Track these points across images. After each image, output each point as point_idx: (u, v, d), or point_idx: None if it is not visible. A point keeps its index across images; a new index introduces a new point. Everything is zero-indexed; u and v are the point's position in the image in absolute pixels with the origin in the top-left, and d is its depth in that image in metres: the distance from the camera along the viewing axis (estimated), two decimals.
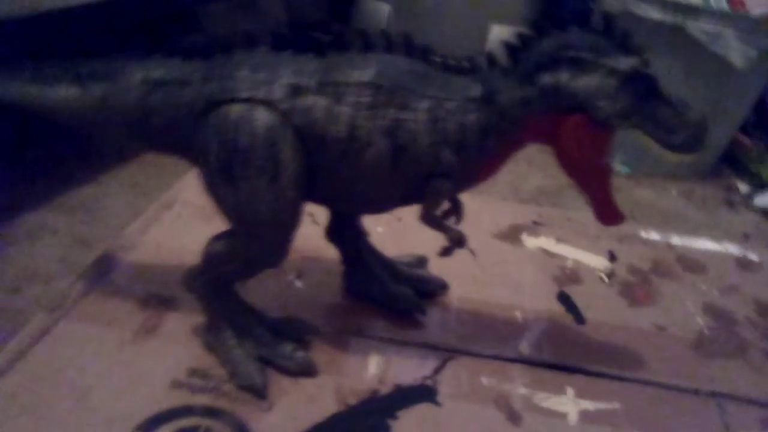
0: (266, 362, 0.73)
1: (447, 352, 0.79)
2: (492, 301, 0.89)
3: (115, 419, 0.66)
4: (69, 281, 0.89)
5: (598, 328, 0.86)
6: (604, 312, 0.90)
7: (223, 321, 0.73)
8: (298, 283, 0.88)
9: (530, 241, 1.05)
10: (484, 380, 0.76)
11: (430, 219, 0.68)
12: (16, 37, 1.10)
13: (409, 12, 1.71)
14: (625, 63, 0.61)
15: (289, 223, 0.65)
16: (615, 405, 0.74)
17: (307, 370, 0.73)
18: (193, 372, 0.72)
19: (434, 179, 0.65)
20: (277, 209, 0.63)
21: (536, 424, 0.71)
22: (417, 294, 0.85)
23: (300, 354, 0.73)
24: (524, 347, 0.81)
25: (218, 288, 0.72)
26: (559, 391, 0.75)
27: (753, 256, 1.08)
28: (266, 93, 0.62)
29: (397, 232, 0.98)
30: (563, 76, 0.62)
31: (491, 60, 0.65)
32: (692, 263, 1.04)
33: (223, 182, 0.63)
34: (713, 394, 0.77)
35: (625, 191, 1.35)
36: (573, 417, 0.72)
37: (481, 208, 1.07)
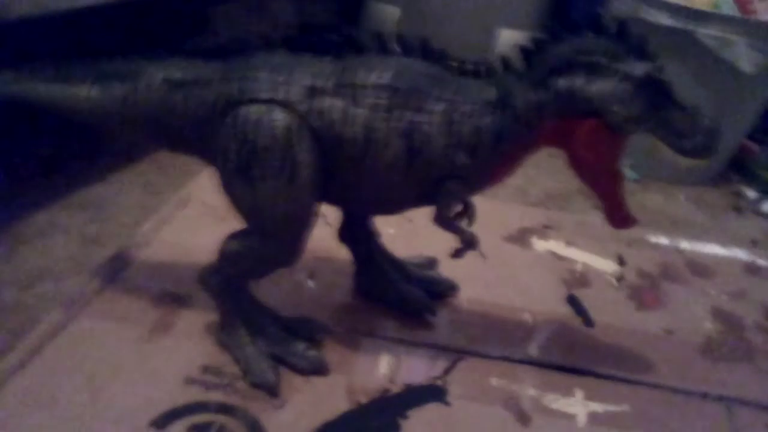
0: (279, 360, 0.73)
1: (457, 353, 0.80)
2: (501, 303, 0.89)
3: (129, 415, 0.67)
4: (80, 279, 0.91)
5: (606, 331, 0.87)
6: (613, 315, 0.90)
7: (237, 319, 0.74)
8: (310, 283, 0.89)
9: (540, 244, 1.06)
10: (494, 381, 0.76)
11: (443, 220, 0.69)
12: (32, 37, 1.11)
13: (417, 15, 1.72)
14: (639, 68, 0.61)
15: (304, 223, 0.66)
16: (623, 407, 0.75)
17: (319, 369, 0.74)
18: (206, 369, 0.73)
19: (448, 181, 0.66)
20: (293, 209, 0.64)
21: (545, 426, 0.71)
22: (427, 295, 0.86)
23: (312, 353, 0.74)
24: (533, 349, 0.82)
25: (232, 286, 0.73)
26: (568, 392, 0.76)
27: (761, 262, 1.08)
28: (285, 94, 0.62)
29: (408, 234, 0.99)
30: (578, 81, 0.62)
31: (506, 64, 0.66)
32: (701, 268, 1.04)
33: (240, 182, 0.64)
34: (721, 398, 0.78)
35: (634, 196, 1.35)
36: (582, 419, 0.73)
37: (491, 211, 1.07)
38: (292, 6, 1.89)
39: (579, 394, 0.76)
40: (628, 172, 1.41)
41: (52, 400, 0.67)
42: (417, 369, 0.77)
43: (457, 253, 0.71)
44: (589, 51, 0.62)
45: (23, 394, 0.68)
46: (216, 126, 0.64)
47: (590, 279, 0.98)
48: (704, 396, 0.78)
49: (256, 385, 0.71)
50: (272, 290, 0.81)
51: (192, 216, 1.02)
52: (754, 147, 1.55)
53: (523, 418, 0.72)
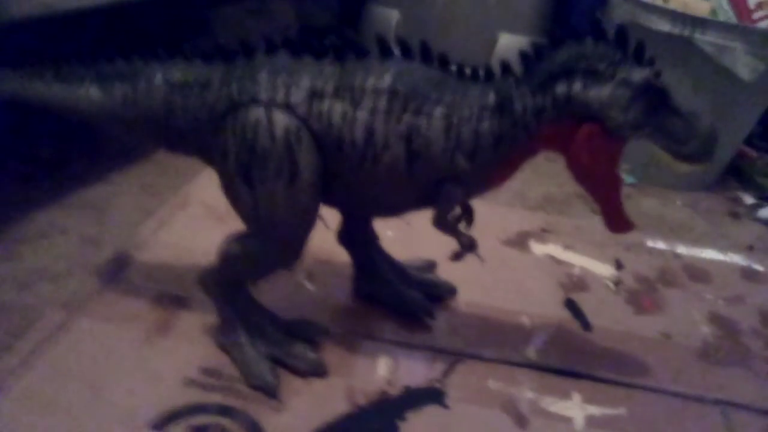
0: (278, 362, 0.74)
1: (455, 356, 0.80)
2: (500, 307, 0.90)
3: (128, 416, 0.67)
4: (79, 280, 0.91)
5: (604, 334, 0.87)
6: (611, 319, 0.91)
7: (236, 321, 0.74)
8: (309, 285, 0.89)
9: (538, 248, 1.06)
10: (492, 384, 0.77)
11: (442, 223, 0.69)
12: (33, 38, 1.11)
13: (417, 19, 1.72)
14: (638, 74, 0.62)
15: (304, 225, 0.67)
16: (620, 411, 0.75)
17: (318, 371, 0.74)
18: (205, 371, 0.73)
19: (447, 184, 0.66)
20: (293, 211, 0.64)
21: (543, 428, 0.71)
22: (426, 298, 0.86)
23: (311, 355, 0.74)
24: (531, 352, 0.82)
25: (232, 288, 0.73)
26: (566, 396, 0.76)
27: (758, 267, 1.09)
28: (285, 97, 0.63)
29: (406, 236, 0.99)
30: (576, 86, 0.63)
31: (505, 69, 0.66)
32: (698, 273, 1.05)
33: (240, 184, 0.64)
34: (717, 402, 0.78)
35: (632, 201, 1.36)
36: (579, 422, 0.73)
37: (490, 215, 1.08)
38: (293, 8, 1.89)
39: (576, 397, 0.76)
40: (625, 177, 1.41)
41: (51, 401, 0.67)
42: (415, 371, 0.77)
43: (456, 257, 0.72)
44: (587, 57, 0.63)
45: (23, 395, 0.68)
46: (216, 128, 0.65)
47: (588, 283, 0.98)
48: (700, 400, 0.78)
49: (255, 387, 0.71)
50: (271, 292, 0.81)
51: (191, 217, 1.02)
52: (752, 153, 1.56)
53: (520, 420, 0.72)
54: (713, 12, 1.34)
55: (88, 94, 0.70)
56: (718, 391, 0.80)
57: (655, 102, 0.62)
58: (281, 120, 0.62)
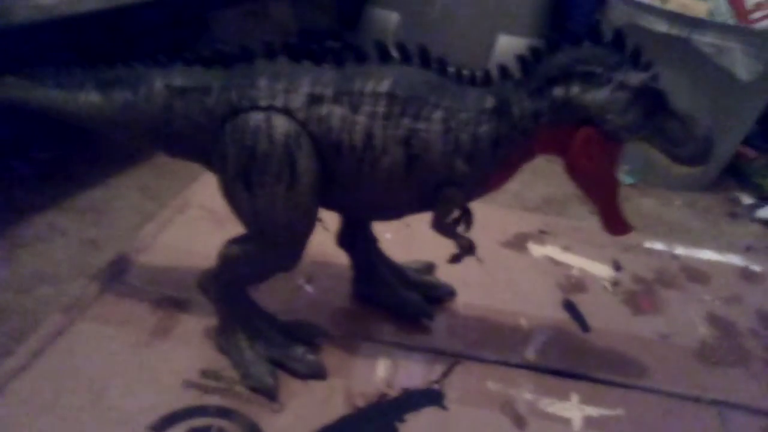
0: (277, 364, 0.74)
1: (454, 357, 0.80)
2: (498, 308, 0.90)
3: (129, 418, 0.67)
4: (78, 283, 0.91)
5: (602, 336, 0.87)
6: (609, 320, 0.91)
7: (236, 323, 0.74)
8: (308, 288, 0.90)
9: (536, 250, 1.06)
10: (490, 385, 0.77)
11: (441, 226, 0.69)
12: (33, 42, 1.12)
13: (417, 21, 1.72)
14: (635, 78, 0.62)
15: (304, 228, 0.67)
16: (618, 411, 0.76)
17: (318, 373, 0.74)
18: (205, 373, 0.73)
19: (446, 188, 0.66)
20: (293, 215, 0.65)
21: (541, 429, 0.72)
22: (425, 300, 0.86)
23: (310, 357, 0.75)
24: (530, 353, 0.82)
25: (232, 291, 0.73)
26: (564, 397, 0.77)
27: (756, 268, 1.09)
28: (285, 101, 0.63)
29: (405, 239, 1.00)
30: (574, 90, 0.63)
31: (504, 72, 0.67)
32: (696, 273, 1.05)
33: (240, 188, 0.64)
34: (715, 403, 0.79)
35: (630, 201, 1.36)
36: (577, 422, 0.73)
37: (488, 217, 1.08)
38: (291, 11, 1.89)
39: (574, 398, 0.77)
40: (624, 177, 1.42)
41: (52, 404, 0.68)
42: (414, 373, 0.77)
43: (455, 259, 0.72)
44: (585, 60, 0.63)
45: (23, 398, 0.68)
46: (216, 132, 0.65)
47: (586, 284, 0.99)
48: (698, 400, 0.79)
49: (255, 389, 0.72)
50: (271, 295, 0.81)
51: (191, 220, 1.02)
52: (750, 153, 1.57)
53: (519, 421, 0.72)
54: (711, 13, 1.34)
55: (89, 99, 0.70)
56: (716, 391, 0.80)
57: (652, 105, 0.63)
58: (281, 125, 0.63)
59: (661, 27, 1.29)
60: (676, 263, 1.08)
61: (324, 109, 0.63)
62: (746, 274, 1.07)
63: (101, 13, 1.12)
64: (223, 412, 0.69)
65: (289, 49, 0.66)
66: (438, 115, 0.64)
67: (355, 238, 0.84)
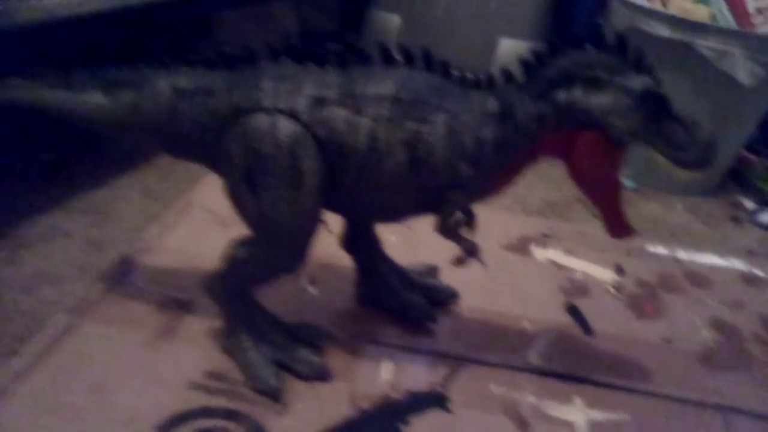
0: (282, 366, 0.74)
1: (457, 360, 0.80)
2: (501, 311, 0.90)
3: (134, 419, 0.67)
4: (82, 284, 0.91)
5: (605, 339, 0.87)
6: (612, 324, 0.91)
7: (241, 325, 0.75)
8: (312, 290, 0.90)
9: (539, 253, 1.07)
10: (494, 388, 0.77)
11: (445, 229, 0.70)
12: (37, 43, 1.12)
13: (418, 24, 1.73)
14: (638, 82, 0.62)
15: (308, 230, 0.67)
16: (622, 415, 0.76)
17: (322, 375, 0.75)
18: (210, 374, 0.74)
19: (450, 190, 0.67)
20: (297, 217, 0.65)
21: None
22: (428, 302, 0.87)
23: (315, 359, 0.75)
24: (533, 357, 0.82)
25: (237, 292, 0.73)
26: (567, 400, 0.77)
27: (758, 272, 1.09)
28: (289, 104, 0.63)
29: (409, 241, 1.00)
30: (577, 94, 0.63)
31: (507, 76, 0.67)
32: (699, 278, 1.05)
33: (245, 190, 0.65)
34: (719, 407, 0.79)
35: (632, 205, 1.36)
36: (581, 426, 0.73)
37: (491, 220, 1.08)
38: (294, 12, 1.90)
39: (578, 401, 0.77)
40: (626, 182, 1.42)
41: (57, 405, 0.68)
42: (418, 375, 0.77)
43: (458, 262, 0.72)
44: (588, 64, 0.63)
45: (28, 399, 0.68)
46: (221, 134, 0.65)
47: (589, 288, 0.99)
48: (701, 405, 0.79)
49: (260, 391, 0.72)
50: (274, 296, 0.81)
51: (195, 222, 1.03)
52: (753, 158, 1.57)
53: (522, 424, 0.73)
54: (713, 17, 1.34)
55: (93, 100, 0.70)
56: (719, 396, 0.80)
57: (655, 109, 0.63)
58: (285, 127, 0.63)
59: (663, 31, 1.29)
60: (678, 267, 1.08)
61: (328, 112, 0.63)
62: (749, 279, 1.07)
63: (106, 15, 1.12)
64: (228, 414, 0.69)
65: (293, 51, 0.66)
66: (441, 118, 0.64)
67: (359, 241, 0.84)
